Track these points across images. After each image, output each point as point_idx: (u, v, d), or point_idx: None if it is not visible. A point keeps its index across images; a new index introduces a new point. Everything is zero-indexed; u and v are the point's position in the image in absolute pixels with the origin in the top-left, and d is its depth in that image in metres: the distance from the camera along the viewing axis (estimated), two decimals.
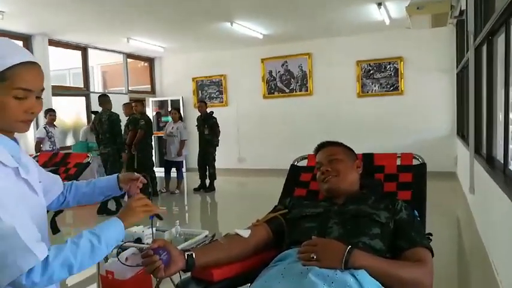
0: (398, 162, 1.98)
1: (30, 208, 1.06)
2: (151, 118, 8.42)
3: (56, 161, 3.11)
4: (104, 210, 5.71)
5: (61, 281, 1.05)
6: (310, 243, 1.33)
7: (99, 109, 6.12)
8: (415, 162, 1.97)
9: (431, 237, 1.56)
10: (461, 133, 6.73)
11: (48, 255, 0.97)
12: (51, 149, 6.16)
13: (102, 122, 5.92)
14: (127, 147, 6.46)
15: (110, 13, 6.07)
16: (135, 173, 1.49)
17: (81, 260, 1.02)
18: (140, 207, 1.23)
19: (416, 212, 1.61)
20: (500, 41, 3.60)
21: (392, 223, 1.51)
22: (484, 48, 4.03)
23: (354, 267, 1.26)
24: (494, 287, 2.94)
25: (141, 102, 7.15)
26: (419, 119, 7.79)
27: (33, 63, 1.07)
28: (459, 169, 7.01)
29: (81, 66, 8.26)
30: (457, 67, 7.17)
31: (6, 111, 1.02)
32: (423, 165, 1.92)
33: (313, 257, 1.28)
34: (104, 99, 6.05)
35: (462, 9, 5.53)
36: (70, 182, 1.48)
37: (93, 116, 6.43)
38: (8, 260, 0.92)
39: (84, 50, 8.19)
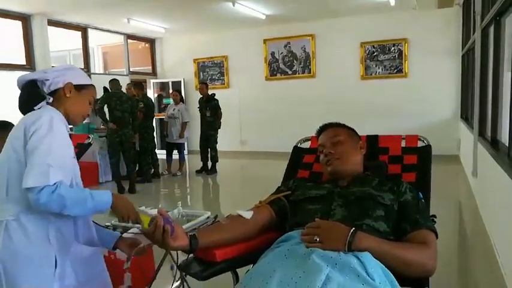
0: (403, 144, 1.95)
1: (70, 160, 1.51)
2: (153, 100, 8.37)
3: None
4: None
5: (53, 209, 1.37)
6: (313, 225, 1.32)
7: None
8: (420, 144, 1.94)
9: (435, 219, 1.54)
10: (465, 116, 6.68)
11: (59, 184, 1.35)
12: None
13: (123, 101, 5.88)
14: None
15: None
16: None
17: (73, 204, 1.38)
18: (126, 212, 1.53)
19: (421, 194, 1.60)
20: (508, 22, 3.52)
21: (396, 205, 1.49)
22: (491, 29, 3.95)
23: (358, 250, 1.25)
24: (496, 269, 2.95)
25: (141, 85, 7.04)
26: (422, 102, 7.72)
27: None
28: (462, 152, 6.98)
29: (81, 47, 8.17)
30: (462, 49, 7.06)
31: (83, 108, 1.60)
32: (428, 147, 1.90)
33: (316, 240, 1.27)
34: (114, 82, 6.02)
35: None
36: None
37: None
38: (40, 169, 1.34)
39: (84, 30, 8.09)
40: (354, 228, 1.28)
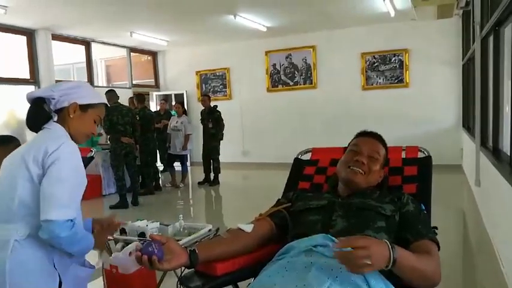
0: (403, 155, 1.95)
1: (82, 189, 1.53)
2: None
3: None
4: (119, 206, 5.77)
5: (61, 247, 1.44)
6: (358, 244, 1.11)
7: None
8: (420, 155, 1.95)
9: (436, 230, 1.54)
10: (467, 125, 6.67)
11: (75, 221, 1.42)
12: None
13: (123, 114, 5.91)
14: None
15: (112, 7, 6.04)
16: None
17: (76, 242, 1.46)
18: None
19: (423, 206, 1.59)
20: (507, 31, 3.55)
21: (397, 216, 1.48)
22: (491, 39, 3.98)
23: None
24: (500, 279, 2.92)
25: (142, 97, 7.03)
26: (424, 112, 7.73)
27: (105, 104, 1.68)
28: (465, 162, 6.96)
29: (84, 60, 8.26)
30: (462, 59, 7.09)
31: (87, 127, 1.59)
32: (429, 158, 1.90)
33: (368, 263, 1.10)
34: (112, 94, 6.03)
35: None
36: None
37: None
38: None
39: (87, 44, 8.19)
40: (389, 243, 1.17)
